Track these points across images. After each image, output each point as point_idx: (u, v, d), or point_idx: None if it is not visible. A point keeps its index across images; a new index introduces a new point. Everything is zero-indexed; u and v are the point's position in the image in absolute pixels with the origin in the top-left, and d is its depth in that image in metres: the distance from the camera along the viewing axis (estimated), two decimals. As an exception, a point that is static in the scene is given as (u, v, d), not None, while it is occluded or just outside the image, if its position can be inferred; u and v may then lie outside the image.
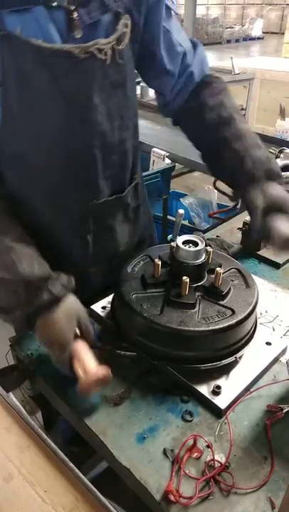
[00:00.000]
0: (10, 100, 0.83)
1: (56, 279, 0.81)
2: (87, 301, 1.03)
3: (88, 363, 0.78)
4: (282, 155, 1.99)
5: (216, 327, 0.83)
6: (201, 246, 0.90)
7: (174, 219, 2.56)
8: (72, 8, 0.79)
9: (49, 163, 0.91)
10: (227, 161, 0.99)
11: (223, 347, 0.85)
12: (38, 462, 0.69)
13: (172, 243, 0.94)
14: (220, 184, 1.94)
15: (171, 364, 0.85)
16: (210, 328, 0.83)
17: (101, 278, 1.07)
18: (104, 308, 1.02)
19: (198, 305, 0.88)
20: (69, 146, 0.89)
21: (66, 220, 0.98)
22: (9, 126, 0.86)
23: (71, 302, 0.82)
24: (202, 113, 1.03)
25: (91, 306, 1.03)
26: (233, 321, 0.84)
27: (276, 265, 1.25)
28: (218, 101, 1.03)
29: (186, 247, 0.90)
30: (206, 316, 0.86)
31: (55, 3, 0.78)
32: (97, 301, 1.04)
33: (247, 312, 0.87)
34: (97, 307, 1.03)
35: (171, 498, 0.67)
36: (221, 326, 0.83)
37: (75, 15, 0.79)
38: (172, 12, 1.00)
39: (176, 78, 1.05)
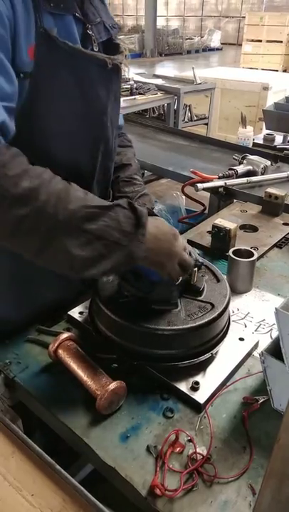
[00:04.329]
0: (35, 94, 0.81)
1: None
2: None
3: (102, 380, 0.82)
4: (245, 161, 2.08)
5: (203, 321, 0.87)
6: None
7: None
8: (88, 26, 0.89)
9: (55, 158, 0.86)
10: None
11: (201, 343, 0.89)
12: (23, 467, 0.70)
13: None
14: (188, 190, 2.01)
15: (151, 364, 0.88)
16: (197, 323, 0.86)
17: None
18: (81, 313, 1.04)
19: (180, 304, 0.91)
20: (76, 147, 0.92)
21: None
22: (32, 112, 0.83)
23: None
24: None
25: (68, 312, 1.04)
26: (215, 314, 0.89)
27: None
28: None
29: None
30: (190, 312, 0.89)
31: (79, 15, 0.86)
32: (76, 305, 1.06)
33: (225, 303, 0.92)
34: (75, 313, 1.04)
35: (157, 491, 0.69)
36: (206, 319, 0.87)
37: (90, 32, 0.90)
38: None
39: None
